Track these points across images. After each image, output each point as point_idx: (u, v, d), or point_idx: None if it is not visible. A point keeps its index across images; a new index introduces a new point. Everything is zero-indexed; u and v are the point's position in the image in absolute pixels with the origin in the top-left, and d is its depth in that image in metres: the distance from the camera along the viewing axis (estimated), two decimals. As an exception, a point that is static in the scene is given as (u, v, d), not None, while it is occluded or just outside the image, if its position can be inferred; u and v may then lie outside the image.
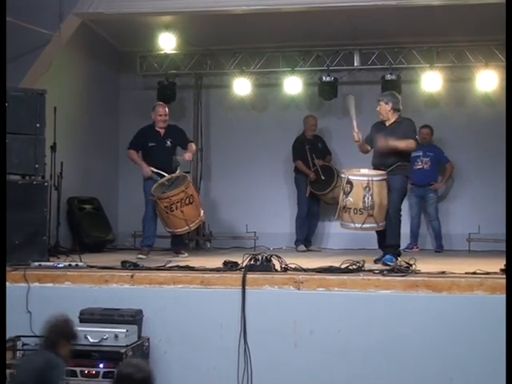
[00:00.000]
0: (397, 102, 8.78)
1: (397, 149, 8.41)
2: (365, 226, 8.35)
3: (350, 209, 8.33)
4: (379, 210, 8.32)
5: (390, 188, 8.42)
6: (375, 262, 8.46)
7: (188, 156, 9.51)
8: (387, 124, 8.78)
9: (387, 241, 8.59)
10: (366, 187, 8.22)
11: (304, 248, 11.18)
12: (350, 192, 8.28)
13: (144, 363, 3.71)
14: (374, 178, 8.30)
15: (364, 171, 8.48)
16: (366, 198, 8.21)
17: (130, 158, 9.54)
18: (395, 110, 8.75)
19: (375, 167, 8.62)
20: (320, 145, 11.60)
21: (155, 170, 9.22)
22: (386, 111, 8.75)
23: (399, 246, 8.74)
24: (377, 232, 8.75)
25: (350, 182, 8.29)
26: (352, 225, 8.41)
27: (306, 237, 11.53)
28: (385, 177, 8.37)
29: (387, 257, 8.30)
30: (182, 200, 8.96)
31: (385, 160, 8.52)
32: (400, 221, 8.68)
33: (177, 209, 8.95)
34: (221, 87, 12.32)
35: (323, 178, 11.20)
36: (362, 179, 8.28)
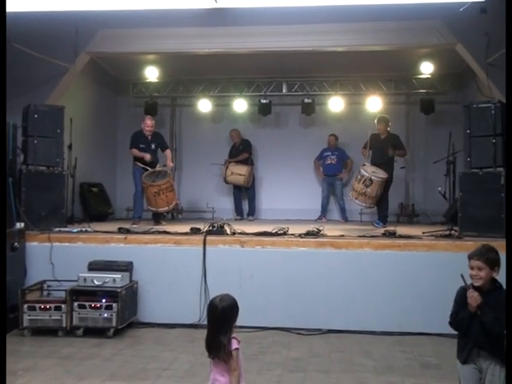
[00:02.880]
0: (389, 122, 9.41)
1: (395, 155, 9.29)
2: (364, 205, 8.87)
3: (366, 195, 8.69)
4: (376, 198, 8.80)
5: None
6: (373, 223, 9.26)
7: (170, 164, 9.46)
8: (382, 137, 9.31)
9: (380, 213, 9.25)
10: (380, 185, 8.69)
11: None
12: (370, 185, 8.63)
13: (228, 296, 3.54)
14: (383, 180, 8.75)
15: (372, 169, 8.86)
16: (377, 192, 8.69)
17: (134, 154, 9.27)
18: (388, 127, 9.38)
19: (374, 165, 9.05)
20: (241, 147, 11.51)
21: (142, 166, 9.16)
22: (384, 128, 9.33)
23: (387, 216, 9.40)
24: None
25: (371, 180, 8.63)
26: (364, 204, 8.87)
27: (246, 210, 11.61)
28: (386, 178, 8.82)
29: (377, 221, 9.19)
30: (167, 188, 9.01)
31: (380, 161, 9.08)
32: (387, 201, 9.30)
33: (163, 193, 8.97)
34: (189, 106, 12.22)
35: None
36: (379, 179, 8.70)
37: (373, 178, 8.62)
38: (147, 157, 9.15)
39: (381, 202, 9.06)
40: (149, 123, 9.39)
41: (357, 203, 8.89)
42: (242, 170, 11.26)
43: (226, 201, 11.89)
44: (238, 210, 11.54)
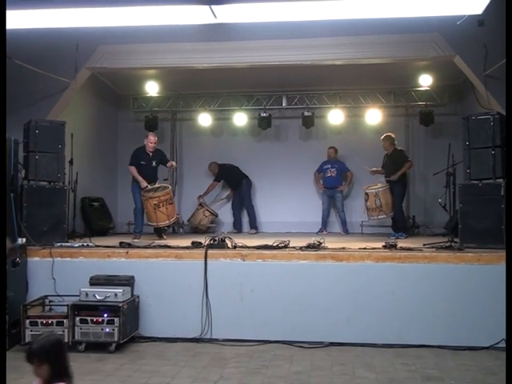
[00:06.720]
0: (392, 140, 10.02)
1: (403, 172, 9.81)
2: (380, 217, 9.63)
3: (369, 209, 9.59)
4: (386, 206, 9.53)
5: (393, 191, 9.65)
6: (389, 237, 9.32)
7: (172, 164, 9.62)
8: (388, 154, 10.06)
9: (397, 224, 9.80)
10: (375, 195, 9.49)
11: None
12: (367, 199, 9.58)
13: (50, 335, 3.40)
14: (379, 190, 9.56)
15: (377, 185, 9.72)
16: (376, 202, 9.45)
17: (132, 173, 9.34)
18: (392, 144, 10.00)
19: (387, 182, 9.82)
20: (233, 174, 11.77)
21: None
22: (387, 145, 10.01)
23: (407, 227, 10.12)
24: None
25: (367, 194, 9.61)
26: (385, 216, 9.61)
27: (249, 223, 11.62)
28: (387, 187, 9.63)
29: (399, 234, 9.56)
30: (167, 200, 9.06)
31: (388, 178, 9.85)
32: (402, 211, 10.03)
33: (163, 206, 9.01)
34: (190, 120, 12.29)
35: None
36: (372, 191, 9.57)
37: (377, 191, 9.42)
38: (143, 184, 9.19)
39: (394, 214, 9.63)
40: (152, 139, 9.45)
41: (380, 218, 9.62)
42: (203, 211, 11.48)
43: (226, 214, 11.92)
44: (238, 225, 11.55)
